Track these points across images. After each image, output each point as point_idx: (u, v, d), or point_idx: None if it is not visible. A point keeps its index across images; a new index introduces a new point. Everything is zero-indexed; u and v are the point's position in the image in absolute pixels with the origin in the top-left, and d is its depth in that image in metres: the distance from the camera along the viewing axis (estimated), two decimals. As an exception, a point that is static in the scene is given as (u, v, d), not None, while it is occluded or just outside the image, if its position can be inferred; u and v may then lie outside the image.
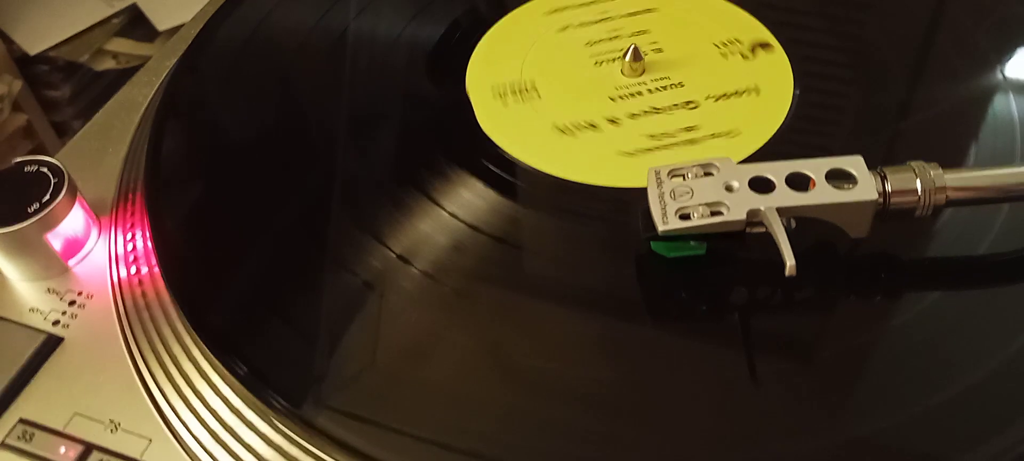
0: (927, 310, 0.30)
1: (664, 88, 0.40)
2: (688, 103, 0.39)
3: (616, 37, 0.42)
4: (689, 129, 0.38)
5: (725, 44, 0.41)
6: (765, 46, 0.41)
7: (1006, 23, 0.41)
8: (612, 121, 0.38)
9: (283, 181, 0.37)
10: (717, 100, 0.39)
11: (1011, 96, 0.38)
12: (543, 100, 0.39)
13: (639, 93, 0.39)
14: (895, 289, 0.31)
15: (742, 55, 0.41)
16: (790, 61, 0.40)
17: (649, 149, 0.37)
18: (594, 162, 0.36)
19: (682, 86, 0.40)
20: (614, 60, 0.41)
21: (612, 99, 0.39)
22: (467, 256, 0.33)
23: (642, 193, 0.31)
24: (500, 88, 0.39)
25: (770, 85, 0.39)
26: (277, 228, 0.35)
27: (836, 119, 0.38)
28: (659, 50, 0.41)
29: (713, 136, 0.37)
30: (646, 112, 0.38)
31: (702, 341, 0.30)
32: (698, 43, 0.42)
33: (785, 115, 0.38)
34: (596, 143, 0.37)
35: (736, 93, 0.39)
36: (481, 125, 0.39)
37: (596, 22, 0.43)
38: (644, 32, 0.42)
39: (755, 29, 0.42)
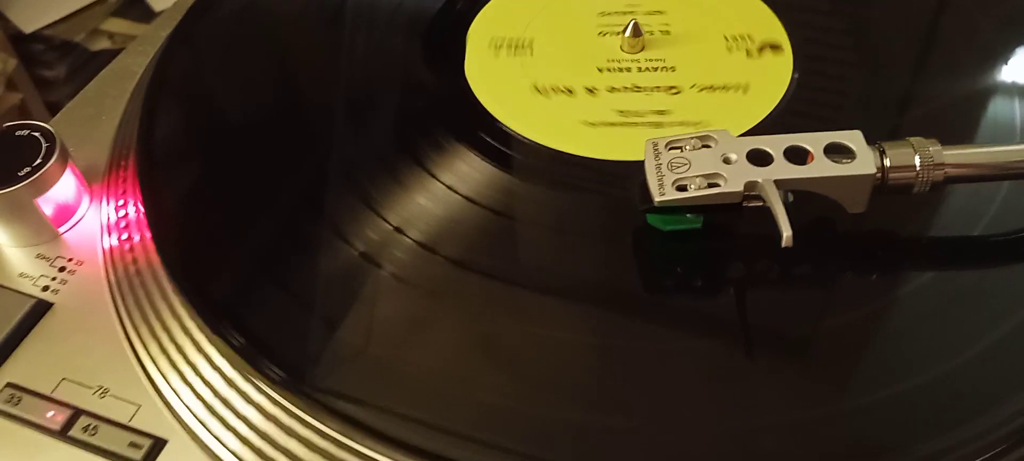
0: (923, 288, 0.30)
1: (655, 69, 0.39)
2: (671, 88, 0.38)
3: (630, 13, 0.42)
4: (660, 112, 0.37)
5: (735, 39, 0.40)
6: (775, 48, 0.40)
7: (1011, 13, 0.41)
8: (590, 90, 0.38)
9: (277, 151, 0.37)
10: (701, 91, 0.38)
11: (1013, 84, 0.37)
12: (534, 58, 0.40)
13: (628, 69, 0.39)
14: (892, 266, 0.31)
15: (747, 52, 0.40)
16: (794, 57, 0.39)
17: (613, 123, 0.37)
18: (557, 126, 0.37)
19: (673, 70, 0.39)
20: (617, 33, 0.41)
21: (600, 70, 0.39)
22: (464, 227, 0.33)
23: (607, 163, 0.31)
24: (498, 40, 0.40)
25: (762, 85, 0.38)
26: (270, 198, 0.35)
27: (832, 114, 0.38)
28: (666, 31, 0.41)
29: (681, 123, 0.37)
30: (627, 88, 0.38)
31: (697, 314, 0.30)
32: (708, 32, 0.41)
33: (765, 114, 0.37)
34: (566, 108, 0.37)
35: (723, 87, 0.38)
36: (466, 74, 0.39)
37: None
38: (660, 13, 0.42)
39: (771, 28, 0.41)
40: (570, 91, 0.38)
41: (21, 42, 0.88)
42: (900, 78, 0.39)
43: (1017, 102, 0.37)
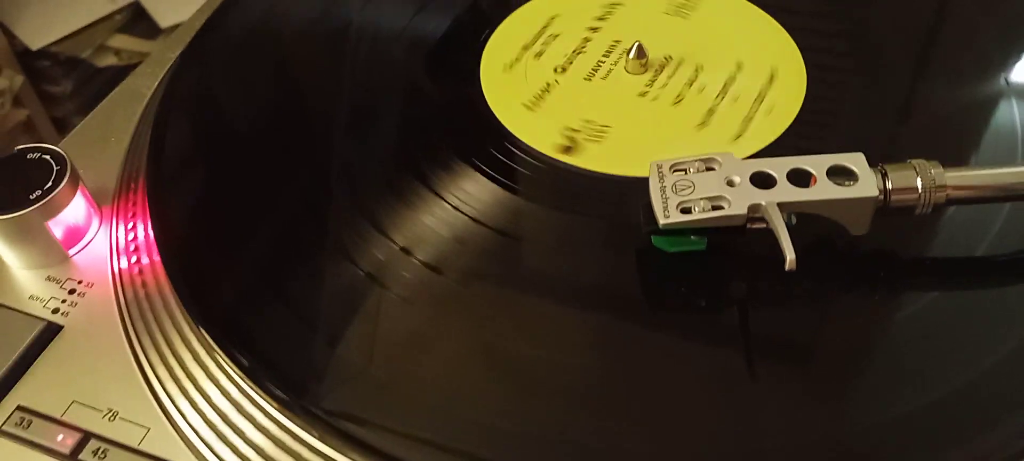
0: (925, 308, 0.30)
1: (595, 69, 0.40)
2: (552, 83, 0.40)
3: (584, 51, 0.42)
4: (770, 79, 0.39)
5: (674, 9, 0.43)
6: (570, 148, 0.38)
7: (1011, 24, 0.42)
8: (678, 100, 0.39)
9: (285, 173, 0.37)
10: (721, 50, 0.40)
11: (1013, 97, 0.38)
12: (614, 129, 0.38)
13: (597, 60, 0.40)
14: (894, 287, 0.31)
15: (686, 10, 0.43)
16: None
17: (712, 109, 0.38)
18: (692, 141, 0.37)
19: (593, 75, 0.40)
20: (612, 68, 0.41)
21: (642, 95, 0.39)
22: (469, 248, 0.33)
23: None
24: (564, 134, 0.38)
25: (739, 22, 0.42)
26: (279, 220, 0.35)
27: (839, 111, 0.38)
28: (655, 94, 0.39)
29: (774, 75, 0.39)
30: (564, 57, 0.40)
31: (701, 334, 0.30)
32: (654, 19, 0.42)
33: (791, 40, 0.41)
34: (677, 123, 0.38)
35: (727, 35, 0.41)
36: (483, 89, 0.40)
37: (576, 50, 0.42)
38: (618, 42, 0.42)
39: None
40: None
41: (27, 58, 0.88)
42: (902, 93, 0.39)
43: (1018, 116, 0.37)
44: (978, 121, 0.37)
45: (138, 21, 0.89)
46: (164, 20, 0.88)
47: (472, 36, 0.43)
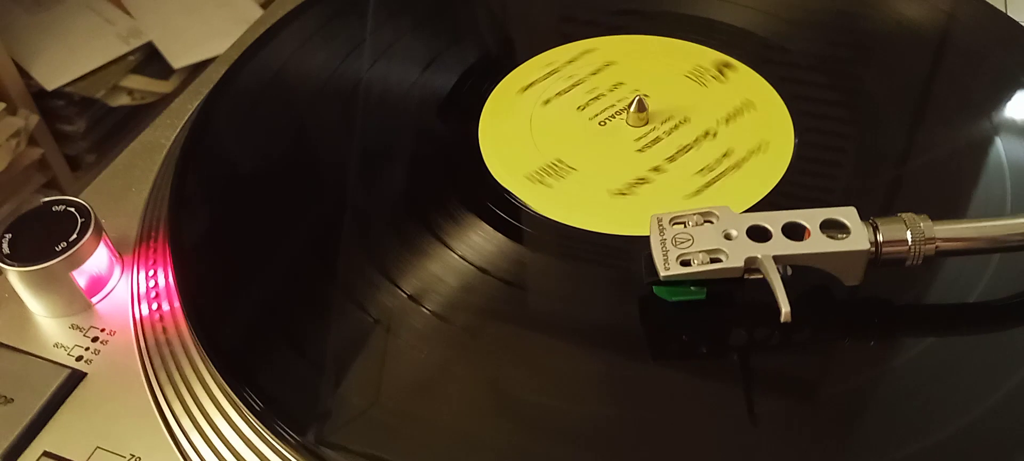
0: (920, 355, 0.31)
1: (676, 127, 0.41)
2: (707, 133, 0.41)
3: (599, 96, 0.44)
4: (726, 155, 0.40)
5: (693, 73, 0.44)
6: (727, 66, 0.44)
7: (998, 76, 0.43)
8: (656, 169, 0.39)
9: (304, 224, 0.38)
10: (728, 122, 0.42)
11: (1002, 146, 0.39)
12: (579, 171, 0.40)
13: (659, 138, 0.41)
14: (889, 334, 0.32)
15: (714, 77, 0.44)
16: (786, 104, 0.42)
17: (706, 184, 0.39)
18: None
19: (689, 120, 0.42)
20: (613, 116, 0.42)
21: (640, 151, 0.41)
22: (477, 297, 0.34)
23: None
24: (532, 174, 0.40)
25: (756, 98, 0.43)
26: (297, 269, 0.37)
27: (835, 161, 0.40)
28: (645, 96, 0.42)
29: (751, 153, 0.40)
30: (680, 152, 0.40)
31: (702, 382, 0.31)
32: (670, 80, 0.44)
33: (790, 121, 0.41)
34: (656, 193, 0.39)
35: (736, 110, 0.42)
36: (532, 207, 0.39)
37: (570, 88, 0.44)
38: (620, 84, 0.44)
39: (710, 54, 0.45)
40: (643, 180, 0.39)
41: (42, 98, 0.90)
42: (894, 145, 0.41)
43: (1007, 166, 0.38)
44: (967, 174, 0.38)
45: (151, 62, 0.91)
46: (177, 61, 0.90)
47: (475, 94, 0.44)
